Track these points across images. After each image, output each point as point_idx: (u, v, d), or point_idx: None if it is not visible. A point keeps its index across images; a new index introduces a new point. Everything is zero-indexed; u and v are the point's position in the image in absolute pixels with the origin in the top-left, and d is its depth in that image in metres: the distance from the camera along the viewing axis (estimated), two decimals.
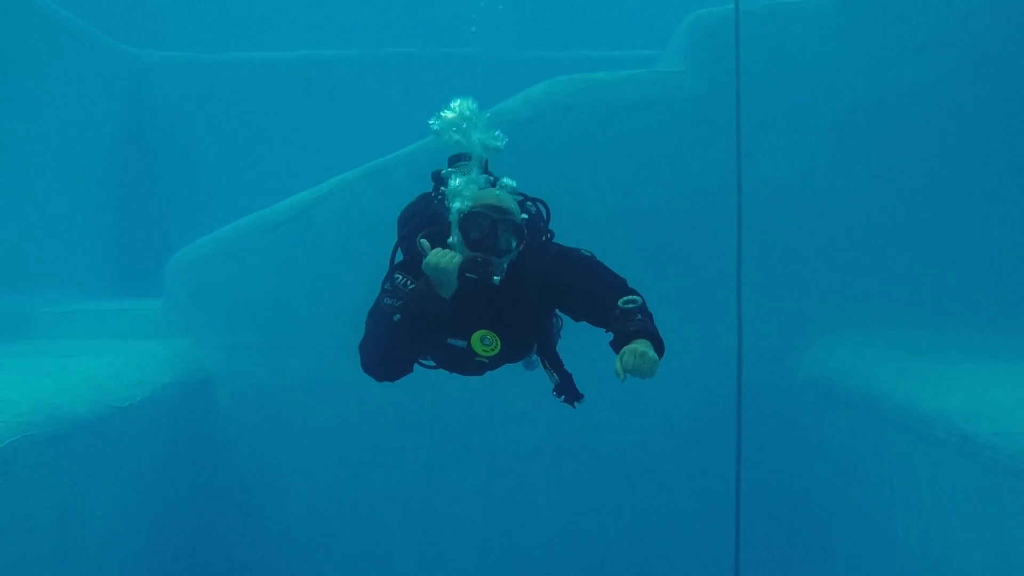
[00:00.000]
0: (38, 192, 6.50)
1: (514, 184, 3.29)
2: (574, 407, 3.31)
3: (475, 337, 3.02)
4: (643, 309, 2.92)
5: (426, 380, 5.60)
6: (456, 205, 3.06)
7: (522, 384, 5.70)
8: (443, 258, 2.90)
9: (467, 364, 3.20)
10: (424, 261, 2.92)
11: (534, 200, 3.39)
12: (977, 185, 5.67)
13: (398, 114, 7.85)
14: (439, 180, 3.40)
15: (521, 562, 5.99)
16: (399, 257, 3.37)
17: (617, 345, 2.81)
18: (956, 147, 5.67)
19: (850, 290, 5.72)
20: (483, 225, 2.99)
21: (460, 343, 3.08)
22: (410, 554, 5.94)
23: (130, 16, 8.68)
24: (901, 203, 5.71)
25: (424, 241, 3.02)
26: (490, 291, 2.98)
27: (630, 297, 2.94)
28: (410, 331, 2.98)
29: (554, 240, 3.35)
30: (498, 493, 5.97)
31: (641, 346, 2.71)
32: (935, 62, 5.65)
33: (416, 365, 3.33)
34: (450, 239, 3.07)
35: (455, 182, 3.12)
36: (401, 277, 3.10)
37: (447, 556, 5.96)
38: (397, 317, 2.97)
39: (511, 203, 3.10)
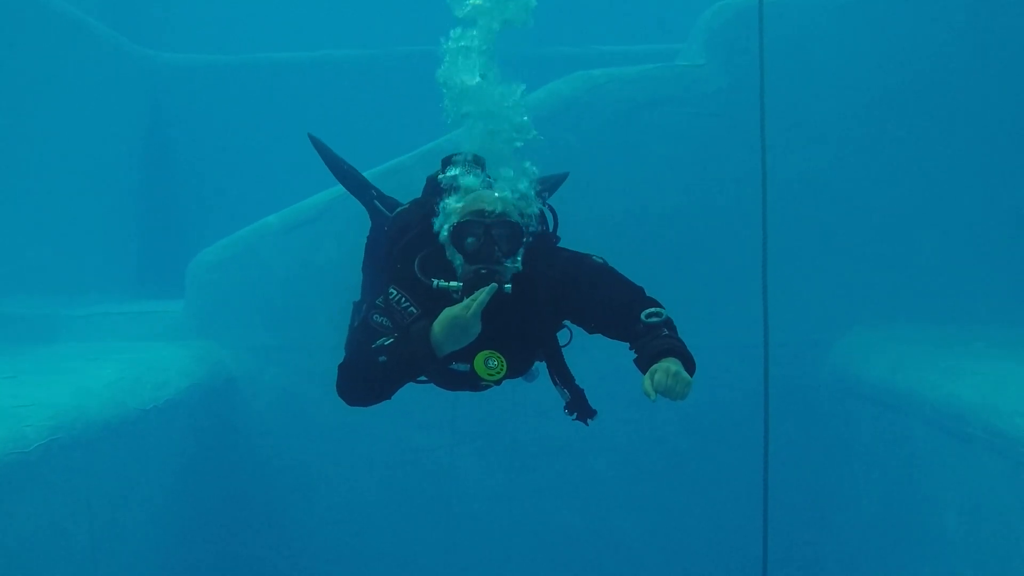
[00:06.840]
0: (59, 195, 6.53)
1: (535, 170, 2.99)
2: (587, 424, 3.07)
3: (478, 361, 2.72)
4: (668, 324, 2.71)
5: None
6: (444, 222, 2.81)
7: (543, 382, 5.70)
8: (458, 312, 2.54)
9: (470, 386, 2.99)
10: (445, 316, 2.56)
11: (542, 196, 3.10)
12: (1004, 176, 5.58)
13: (416, 112, 7.82)
14: (434, 188, 3.09)
15: (545, 561, 5.97)
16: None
17: (644, 363, 2.60)
18: (983, 138, 5.57)
19: (876, 284, 5.65)
20: (476, 233, 2.72)
21: (463, 367, 2.81)
22: (434, 554, 5.93)
23: (148, 19, 8.72)
24: (927, 196, 5.63)
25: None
26: (497, 305, 2.62)
27: (654, 310, 2.72)
28: (397, 376, 2.67)
29: (564, 244, 3.10)
30: (521, 492, 5.95)
31: (673, 366, 2.48)
32: (961, 53, 5.56)
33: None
34: (448, 255, 2.81)
35: (447, 199, 2.85)
36: (396, 293, 2.80)
37: (471, 555, 5.94)
38: (383, 359, 2.62)
39: (505, 201, 2.79)
